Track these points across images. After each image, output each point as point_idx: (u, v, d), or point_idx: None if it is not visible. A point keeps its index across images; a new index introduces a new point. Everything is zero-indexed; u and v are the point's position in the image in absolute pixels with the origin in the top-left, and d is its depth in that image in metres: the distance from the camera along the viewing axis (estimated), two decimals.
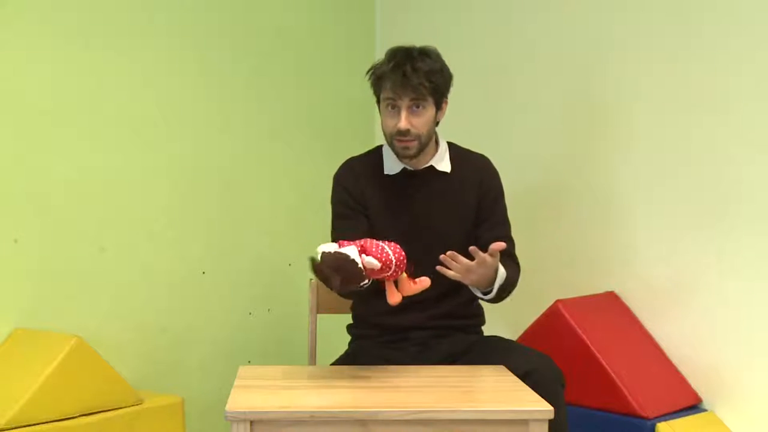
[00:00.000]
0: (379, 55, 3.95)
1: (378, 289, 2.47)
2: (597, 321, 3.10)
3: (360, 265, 2.19)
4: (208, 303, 3.48)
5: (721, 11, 3.02)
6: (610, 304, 3.25)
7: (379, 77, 2.66)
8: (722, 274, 3.04)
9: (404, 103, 2.61)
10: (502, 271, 2.56)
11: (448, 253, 2.43)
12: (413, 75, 2.59)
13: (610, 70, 3.30)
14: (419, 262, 2.57)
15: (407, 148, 2.64)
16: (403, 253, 2.29)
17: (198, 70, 3.44)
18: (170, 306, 3.37)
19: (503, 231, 2.75)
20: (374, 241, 2.26)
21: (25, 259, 3.00)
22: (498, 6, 3.63)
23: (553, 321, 3.07)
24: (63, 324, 3.04)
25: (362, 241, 2.25)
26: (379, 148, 2.81)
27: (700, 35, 3.07)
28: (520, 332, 3.16)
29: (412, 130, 2.61)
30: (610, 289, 3.30)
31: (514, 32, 3.58)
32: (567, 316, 3.04)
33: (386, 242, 2.27)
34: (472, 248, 2.44)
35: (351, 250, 2.20)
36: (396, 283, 2.32)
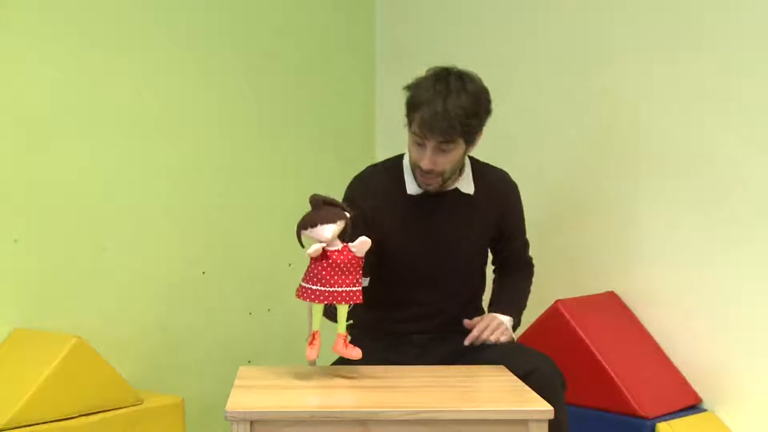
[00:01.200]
0: (380, 54, 3.98)
1: (374, 298, 2.50)
2: (597, 321, 3.10)
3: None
4: (208, 303, 3.48)
5: (722, 11, 3.02)
6: (610, 304, 3.25)
7: (411, 106, 2.53)
8: (722, 274, 3.03)
9: (431, 143, 2.49)
10: (507, 319, 2.68)
11: (471, 335, 2.60)
12: (444, 118, 2.44)
13: (609, 70, 3.30)
14: (436, 280, 2.61)
15: (429, 183, 2.58)
16: (358, 295, 2.28)
17: (198, 70, 3.44)
18: (170, 306, 3.37)
19: (521, 240, 2.82)
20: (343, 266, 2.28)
21: (25, 259, 3.00)
22: (498, 6, 3.62)
23: (553, 321, 3.07)
24: (63, 324, 3.04)
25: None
26: (400, 161, 2.71)
27: (701, 35, 3.07)
28: (520, 332, 3.16)
29: (436, 169, 2.53)
30: (610, 289, 3.30)
31: (514, 33, 3.58)
32: (567, 316, 3.04)
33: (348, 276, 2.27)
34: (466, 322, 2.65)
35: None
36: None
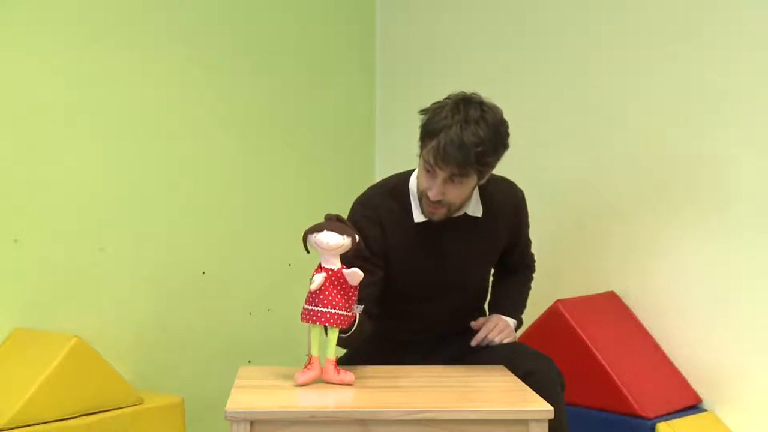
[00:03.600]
0: (380, 53, 3.98)
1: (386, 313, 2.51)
2: (597, 321, 3.10)
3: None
4: (208, 303, 3.48)
5: (721, 11, 3.02)
6: (610, 304, 3.25)
7: (426, 133, 2.40)
8: (722, 273, 3.03)
9: (442, 174, 2.38)
10: (512, 321, 2.69)
11: (478, 335, 2.61)
12: (460, 151, 2.31)
13: (608, 69, 3.30)
14: (444, 298, 2.61)
15: (433, 213, 2.48)
16: (348, 320, 2.24)
17: (198, 70, 3.44)
18: (170, 306, 3.37)
19: (525, 242, 2.80)
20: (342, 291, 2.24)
21: (25, 259, 3.00)
22: (498, 6, 3.63)
23: (553, 321, 3.07)
24: (63, 324, 3.04)
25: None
26: (404, 184, 2.58)
27: (700, 35, 3.07)
28: (521, 332, 3.16)
29: (444, 200, 2.43)
30: (610, 289, 3.30)
31: (515, 33, 3.58)
32: (567, 316, 3.04)
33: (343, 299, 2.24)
34: (473, 323, 2.64)
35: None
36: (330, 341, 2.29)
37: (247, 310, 3.60)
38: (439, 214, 2.48)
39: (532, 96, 3.51)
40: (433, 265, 2.58)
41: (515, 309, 2.75)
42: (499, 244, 2.68)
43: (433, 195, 2.42)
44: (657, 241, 3.19)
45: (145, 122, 3.29)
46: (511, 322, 2.68)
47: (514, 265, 2.81)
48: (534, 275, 2.88)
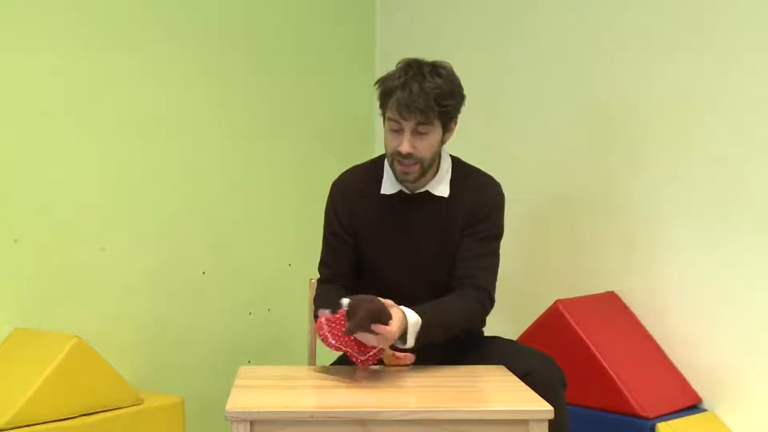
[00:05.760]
0: (380, 53, 3.98)
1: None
2: (597, 321, 3.10)
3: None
4: (208, 303, 3.48)
5: (721, 10, 3.02)
6: (610, 304, 3.25)
7: (385, 93, 2.52)
8: (722, 273, 3.03)
9: (409, 125, 2.47)
10: (414, 319, 2.35)
11: None
12: (421, 96, 2.44)
13: (611, 70, 3.30)
14: (407, 285, 2.55)
15: (407, 172, 2.52)
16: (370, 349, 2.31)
17: (198, 70, 3.44)
18: (170, 306, 3.37)
19: (476, 254, 2.58)
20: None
21: (25, 259, 3.00)
22: (498, 7, 3.63)
23: (553, 321, 3.07)
24: (63, 324, 3.04)
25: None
26: (383, 159, 2.65)
27: (701, 34, 3.07)
28: (520, 332, 3.16)
29: (415, 154, 2.48)
30: (610, 289, 3.30)
31: (515, 33, 3.58)
32: (567, 316, 3.04)
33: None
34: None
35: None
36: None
37: (247, 310, 3.60)
38: (413, 172, 2.52)
39: (534, 96, 3.51)
40: (399, 237, 2.59)
41: (430, 309, 2.42)
42: (457, 228, 2.59)
43: (404, 148, 2.48)
44: (657, 241, 3.19)
45: (145, 122, 3.30)
46: (413, 320, 2.37)
47: (463, 270, 2.57)
48: (483, 314, 2.59)
